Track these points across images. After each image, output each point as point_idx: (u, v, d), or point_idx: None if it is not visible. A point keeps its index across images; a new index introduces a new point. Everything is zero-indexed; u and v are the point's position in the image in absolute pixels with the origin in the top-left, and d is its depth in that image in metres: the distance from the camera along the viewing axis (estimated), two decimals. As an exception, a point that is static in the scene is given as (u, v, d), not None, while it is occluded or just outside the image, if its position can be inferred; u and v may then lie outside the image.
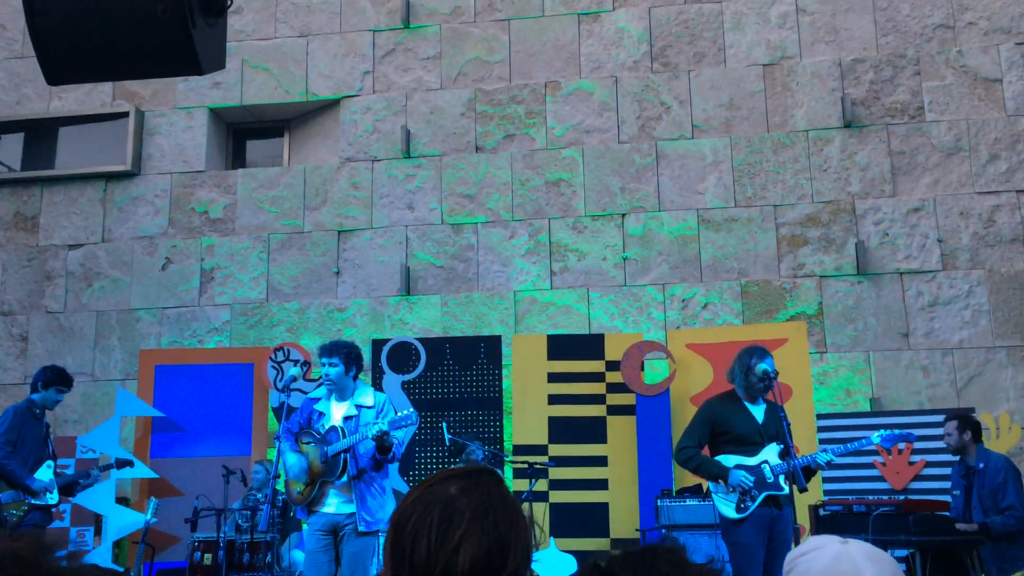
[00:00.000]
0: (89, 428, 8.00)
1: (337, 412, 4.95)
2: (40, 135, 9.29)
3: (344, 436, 4.80)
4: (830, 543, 1.37)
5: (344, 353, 4.92)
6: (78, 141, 9.19)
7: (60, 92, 9.13)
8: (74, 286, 8.82)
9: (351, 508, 4.78)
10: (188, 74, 2.68)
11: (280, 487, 5.73)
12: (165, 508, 6.78)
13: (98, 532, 7.52)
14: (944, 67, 8.20)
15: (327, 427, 4.89)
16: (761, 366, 4.95)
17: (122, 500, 7.48)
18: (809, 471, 4.91)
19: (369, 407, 4.93)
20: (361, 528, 4.75)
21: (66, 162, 9.14)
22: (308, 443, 4.87)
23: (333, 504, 4.82)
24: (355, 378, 4.97)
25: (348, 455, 4.78)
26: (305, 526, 4.88)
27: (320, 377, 5.04)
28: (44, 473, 5.96)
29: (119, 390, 7.83)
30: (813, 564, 1.34)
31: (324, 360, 4.91)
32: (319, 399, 5.00)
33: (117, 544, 7.42)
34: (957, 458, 6.18)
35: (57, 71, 2.62)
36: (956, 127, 8.08)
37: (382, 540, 5.06)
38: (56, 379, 6.17)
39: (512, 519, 1.38)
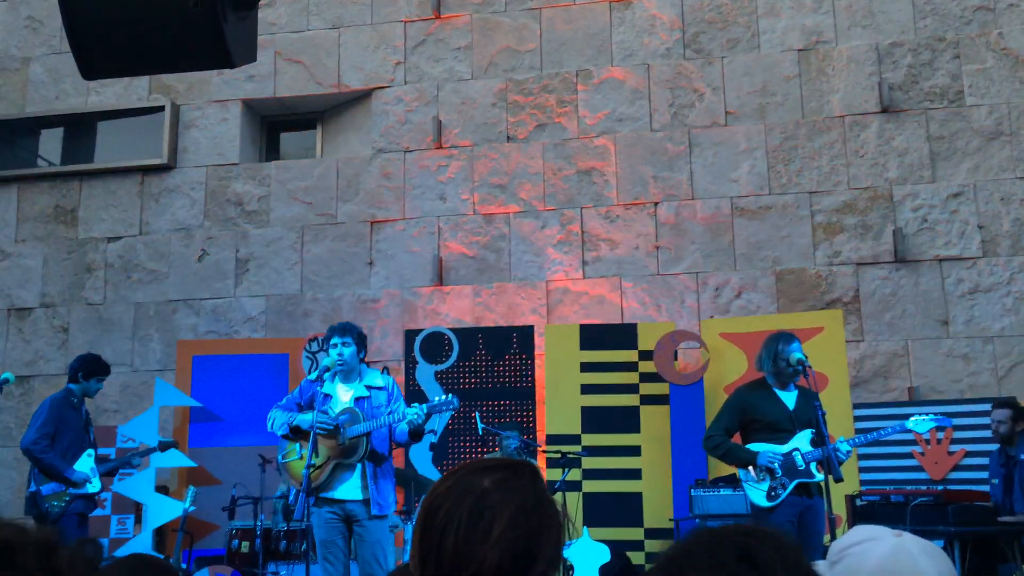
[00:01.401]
0: (128, 418, 8.13)
1: (345, 394, 4.92)
2: (79, 129, 9.44)
3: (362, 417, 4.80)
4: (884, 535, 1.30)
5: (356, 334, 4.95)
6: (116, 135, 9.33)
7: (98, 87, 9.26)
8: (113, 278, 8.96)
9: (362, 494, 4.75)
10: (219, 67, 2.70)
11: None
12: (203, 496, 6.88)
13: (138, 520, 7.66)
14: (984, 50, 8.03)
15: (337, 409, 4.88)
16: (794, 354, 4.89)
17: (161, 488, 7.61)
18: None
19: (380, 388, 4.94)
20: (374, 512, 4.75)
21: (104, 156, 9.28)
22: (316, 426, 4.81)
23: (344, 489, 4.77)
24: (362, 361, 4.99)
25: (367, 438, 4.78)
26: (314, 515, 4.82)
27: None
28: (84, 463, 6.03)
29: (157, 380, 7.95)
30: (867, 557, 1.27)
31: (337, 340, 4.89)
32: (322, 381, 4.92)
33: (157, 531, 7.55)
34: (996, 447, 6.08)
35: (92, 65, 2.65)
36: (997, 111, 7.92)
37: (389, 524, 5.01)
38: (97, 368, 6.24)
39: (545, 521, 1.35)
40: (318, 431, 4.71)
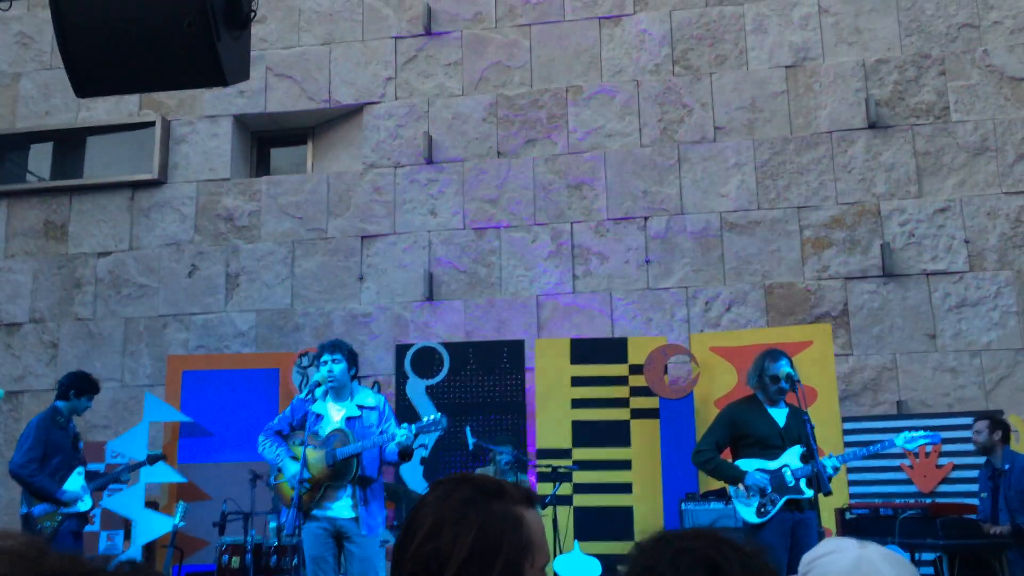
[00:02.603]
0: (118, 433, 8.10)
1: (336, 413, 4.91)
2: (69, 145, 9.43)
3: (352, 438, 4.79)
4: (848, 546, 1.36)
5: (347, 350, 4.93)
6: (106, 150, 9.33)
7: (88, 103, 9.26)
8: (103, 293, 8.95)
9: (353, 512, 4.75)
10: (213, 85, 2.73)
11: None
12: (193, 512, 6.85)
13: (128, 536, 7.62)
14: (970, 67, 8.12)
15: (328, 429, 4.87)
16: (782, 369, 4.92)
17: (151, 504, 7.58)
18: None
19: (371, 408, 4.93)
20: (363, 532, 4.75)
21: (94, 171, 9.28)
22: (307, 446, 4.77)
23: (336, 508, 4.77)
24: (353, 378, 4.98)
25: (357, 459, 4.77)
26: (305, 531, 4.82)
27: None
28: (75, 481, 6.01)
29: (147, 396, 7.93)
30: (832, 567, 1.33)
31: (327, 357, 4.87)
32: (313, 400, 4.92)
33: (147, 548, 7.51)
34: (984, 460, 6.13)
35: (86, 84, 2.67)
36: (982, 127, 8.00)
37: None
38: (88, 387, 6.23)
39: (461, 528, 1.38)
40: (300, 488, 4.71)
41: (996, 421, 6.08)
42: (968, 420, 6.57)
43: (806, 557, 1.39)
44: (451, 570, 1.34)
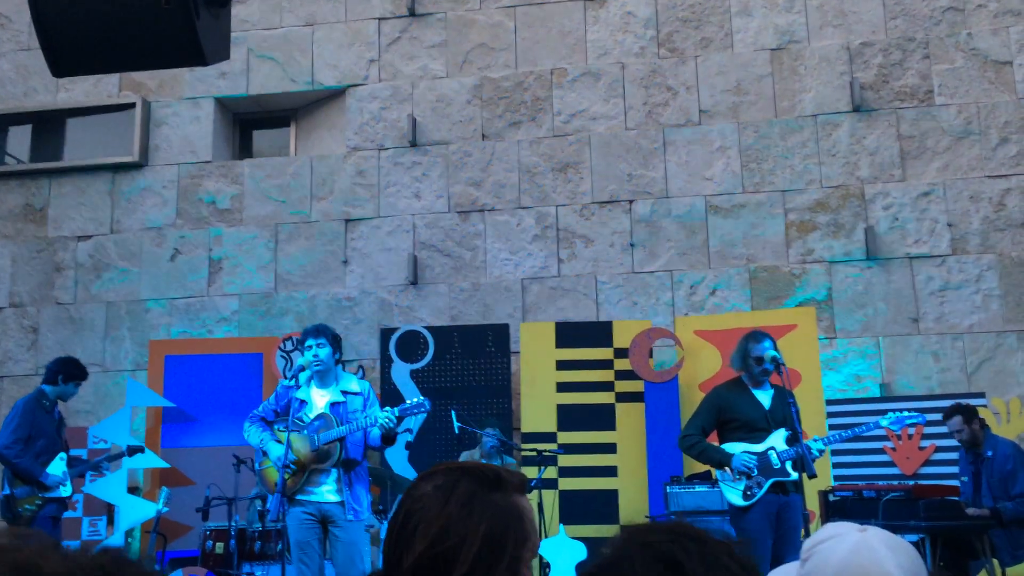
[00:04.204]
0: (100, 418, 8.04)
1: (320, 399, 4.89)
2: (48, 127, 9.31)
3: (336, 423, 4.77)
4: (848, 531, 1.33)
5: (331, 335, 4.91)
6: (85, 132, 9.21)
7: (67, 84, 9.14)
8: (83, 277, 8.85)
9: (338, 496, 4.75)
10: (192, 65, 2.67)
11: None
12: (177, 497, 6.82)
13: (111, 522, 7.58)
14: (954, 50, 8.13)
15: (312, 415, 4.85)
16: (768, 352, 4.93)
17: (134, 490, 7.54)
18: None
19: (355, 393, 4.92)
20: (349, 517, 4.74)
21: (74, 154, 9.16)
22: (291, 431, 4.75)
23: (321, 492, 4.76)
24: (337, 363, 4.96)
25: (341, 442, 4.76)
26: (289, 516, 4.80)
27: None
28: (57, 466, 5.99)
29: (129, 380, 7.87)
30: (832, 553, 1.30)
31: (312, 342, 4.85)
32: (297, 387, 4.90)
33: (129, 533, 7.47)
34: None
35: (62, 63, 2.61)
36: (966, 110, 8.02)
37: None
38: (77, 373, 6.22)
39: (470, 525, 1.35)
40: (284, 469, 4.69)
41: (967, 412, 6.01)
42: (950, 403, 6.59)
43: (807, 543, 1.36)
44: (460, 571, 1.32)
